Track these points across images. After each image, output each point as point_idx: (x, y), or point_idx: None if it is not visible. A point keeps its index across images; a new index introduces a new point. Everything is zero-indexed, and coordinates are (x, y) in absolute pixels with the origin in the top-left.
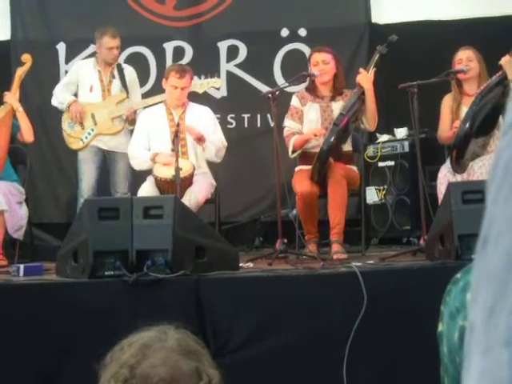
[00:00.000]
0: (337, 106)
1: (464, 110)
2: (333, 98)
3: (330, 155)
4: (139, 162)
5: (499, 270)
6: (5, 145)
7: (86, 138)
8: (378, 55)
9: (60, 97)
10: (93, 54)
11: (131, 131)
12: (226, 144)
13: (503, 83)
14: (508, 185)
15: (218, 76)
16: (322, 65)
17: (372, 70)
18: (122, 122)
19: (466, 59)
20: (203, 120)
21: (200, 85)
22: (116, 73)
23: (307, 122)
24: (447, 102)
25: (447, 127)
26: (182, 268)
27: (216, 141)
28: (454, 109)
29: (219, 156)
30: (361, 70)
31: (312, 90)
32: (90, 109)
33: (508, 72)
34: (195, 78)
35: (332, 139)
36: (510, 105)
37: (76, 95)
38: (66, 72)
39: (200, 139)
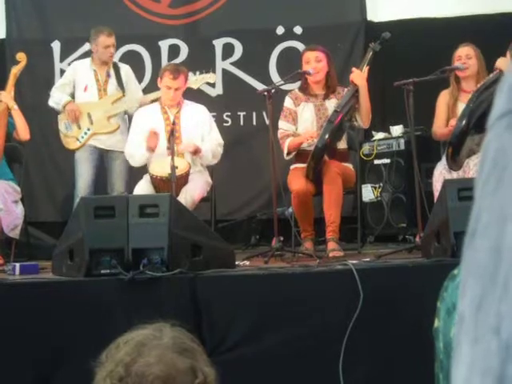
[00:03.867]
0: (331, 105)
1: (461, 106)
2: (326, 97)
3: (324, 153)
4: (137, 159)
5: (487, 261)
6: (0, 143)
7: (83, 137)
8: (371, 52)
9: (56, 97)
10: (88, 53)
11: (129, 129)
12: (222, 142)
13: (500, 81)
14: (495, 177)
15: (213, 71)
16: (314, 62)
17: (365, 68)
18: (119, 121)
19: (464, 56)
20: (199, 119)
21: (195, 80)
22: (112, 72)
23: (302, 121)
24: (443, 98)
25: (442, 123)
26: (178, 266)
27: (211, 145)
28: (450, 105)
29: (216, 157)
30: (353, 69)
31: (305, 88)
32: (86, 108)
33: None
34: (190, 74)
35: (326, 137)
36: (497, 98)
37: (73, 96)
38: (61, 70)
39: (196, 152)
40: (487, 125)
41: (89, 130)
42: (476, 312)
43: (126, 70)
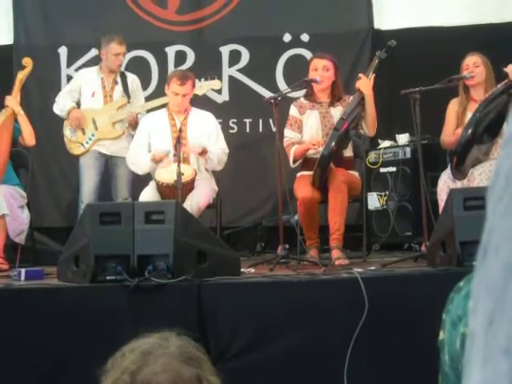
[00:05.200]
0: (336, 112)
1: (469, 115)
2: (331, 104)
3: (330, 160)
4: (140, 167)
5: (499, 280)
6: (6, 149)
7: (87, 143)
8: (377, 60)
9: (61, 104)
10: (94, 59)
11: (133, 136)
12: (227, 152)
13: (508, 92)
14: (508, 196)
15: (219, 78)
16: (322, 71)
17: (371, 76)
18: (124, 127)
19: (472, 65)
20: (206, 127)
21: (200, 87)
22: (119, 79)
23: (307, 129)
24: (453, 107)
25: (451, 131)
26: (183, 273)
27: (218, 150)
28: (459, 114)
29: (221, 164)
30: (360, 75)
31: (310, 95)
32: (90, 114)
33: None
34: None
35: (332, 144)
36: None
37: (78, 102)
38: (68, 76)
39: (202, 153)
40: (503, 140)
41: (93, 135)
42: (487, 331)
43: (132, 79)
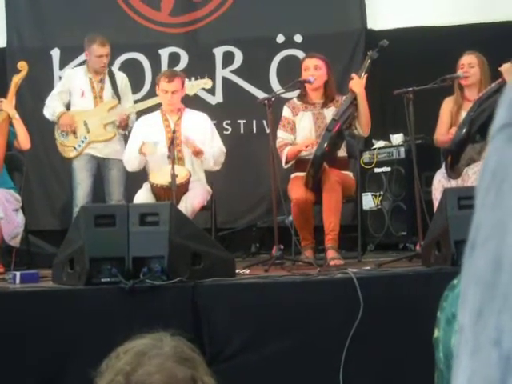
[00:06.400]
0: (329, 113)
1: (463, 114)
2: (324, 105)
3: (323, 161)
4: (132, 163)
5: (487, 273)
6: (1, 152)
7: (79, 146)
8: (369, 60)
9: (51, 107)
10: (85, 61)
11: (124, 137)
12: (224, 150)
13: (502, 90)
14: (495, 189)
15: (212, 79)
16: (313, 70)
17: (364, 75)
18: (115, 129)
19: (467, 65)
20: (200, 127)
21: (191, 86)
22: (107, 79)
23: (300, 130)
24: (447, 105)
25: (444, 130)
26: (178, 275)
27: (214, 150)
28: (453, 112)
29: (218, 164)
30: (353, 75)
31: (303, 96)
32: (82, 116)
33: (508, 79)
34: (186, 80)
35: (325, 145)
36: (499, 110)
37: (69, 103)
38: (60, 78)
39: (198, 153)
40: (489, 135)
41: (85, 138)
42: (475, 323)
43: (121, 78)
